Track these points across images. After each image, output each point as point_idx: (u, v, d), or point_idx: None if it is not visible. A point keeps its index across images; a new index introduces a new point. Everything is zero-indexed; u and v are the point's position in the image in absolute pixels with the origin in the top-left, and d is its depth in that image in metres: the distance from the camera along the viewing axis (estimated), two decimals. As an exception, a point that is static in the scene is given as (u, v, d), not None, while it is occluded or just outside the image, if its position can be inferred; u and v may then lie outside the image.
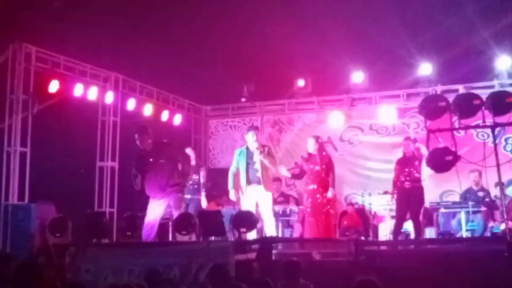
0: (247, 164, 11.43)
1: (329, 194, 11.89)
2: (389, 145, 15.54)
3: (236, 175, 11.64)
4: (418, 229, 12.07)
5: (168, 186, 11.13)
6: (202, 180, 13.28)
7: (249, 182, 11.40)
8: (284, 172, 12.67)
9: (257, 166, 11.40)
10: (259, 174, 11.36)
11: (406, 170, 12.04)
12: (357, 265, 9.45)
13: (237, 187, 11.59)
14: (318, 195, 11.90)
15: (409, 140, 12.56)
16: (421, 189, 12.13)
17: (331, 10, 13.89)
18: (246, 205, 11.24)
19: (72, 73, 13.80)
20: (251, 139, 11.55)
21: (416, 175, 12.01)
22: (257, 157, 11.40)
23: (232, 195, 11.66)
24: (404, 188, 12.01)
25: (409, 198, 11.95)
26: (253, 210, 11.03)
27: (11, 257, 7.94)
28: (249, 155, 11.46)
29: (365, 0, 14.17)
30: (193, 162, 13.25)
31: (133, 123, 14.37)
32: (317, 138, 12.47)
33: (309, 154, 12.29)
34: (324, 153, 12.25)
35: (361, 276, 6.03)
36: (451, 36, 14.07)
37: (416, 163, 12.06)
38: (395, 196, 12.36)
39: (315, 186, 11.96)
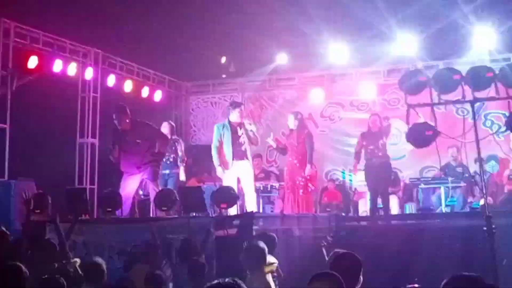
0: (232, 139, 11.35)
1: (306, 170, 11.92)
2: (370, 121, 15.61)
3: (220, 151, 11.51)
4: (386, 205, 12.19)
5: (143, 164, 11.24)
6: (180, 154, 13.19)
7: (233, 157, 11.34)
8: (270, 140, 12.58)
9: (242, 140, 11.35)
10: (243, 148, 11.32)
11: (372, 146, 12.12)
12: (337, 240, 9.52)
13: (222, 163, 11.44)
14: (297, 171, 11.93)
15: (377, 116, 12.63)
16: (388, 165, 12.27)
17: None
18: (229, 180, 11.21)
19: (51, 49, 13.68)
20: (238, 114, 11.46)
21: (383, 151, 12.10)
22: (241, 132, 11.36)
23: (219, 172, 11.49)
24: (371, 164, 12.10)
25: (377, 174, 12.05)
26: (234, 185, 11.02)
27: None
28: (233, 130, 11.39)
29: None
30: (173, 136, 13.22)
31: (113, 100, 14.34)
32: (296, 114, 12.48)
33: (290, 130, 12.33)
34: (303, 128, 12.27)
35: (340, 250, 6.07)
36: (432, 12, 14.06)
37: (383, 139, 12.15)
38: (357, 170, 12.52)
39: (295, 162, 12.00)
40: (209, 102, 18.10)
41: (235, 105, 11.89)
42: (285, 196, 12.38)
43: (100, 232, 9.95)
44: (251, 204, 11.30)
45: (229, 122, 11.48)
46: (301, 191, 11.89)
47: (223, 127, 11.46)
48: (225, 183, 11.15)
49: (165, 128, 13.06)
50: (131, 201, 11.43)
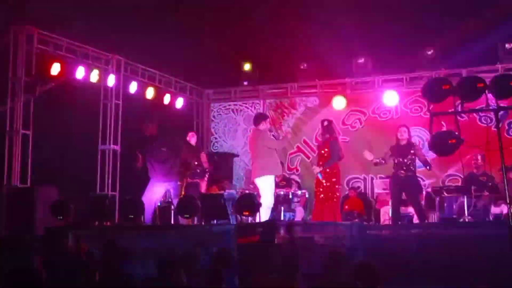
0: None
1: (315, 170, 11.86)
2: (391, 129, 15.50)
3: None
4: (420, 215, 12.00)
5: (170, 174, 11.25)
6: (204, 166, 13.22)
7: None
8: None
9: None
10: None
11: (400, 158, 11.92)
12: (357, 249, 9.48)
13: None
14: (325, 180, 11.84)
15: (405, 127, 12.44)
16: (414, 178, 12.04)
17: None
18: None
19: (74, 56, 13.76)
20: (264, 127, 11.34)
21: (410, 163, 11.89)
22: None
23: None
24: (398, 176, 11.89)
25: (402, 186, 11.87)
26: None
27: None
28: None
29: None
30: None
31: (135, 107, 14.41)
32: (322, 122, 12.46)
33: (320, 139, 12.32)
34: (329, 135, 12.20)
35: (360, 260, 6.05)
36: (454, 20, 14.02)
37: (412, 151, 11.93)
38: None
39: (322, 171, 11.93)
40: (231, 109, 18.08)
41: (261, 117, 11.73)
42: (314, 205, 12.35)
43: (122, 238, 9.93)
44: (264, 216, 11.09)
45: None
46: (329, 200, 11.80)
47: None
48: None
49: (192, 138, 13.16)
50: (153, 207, 11.46)
